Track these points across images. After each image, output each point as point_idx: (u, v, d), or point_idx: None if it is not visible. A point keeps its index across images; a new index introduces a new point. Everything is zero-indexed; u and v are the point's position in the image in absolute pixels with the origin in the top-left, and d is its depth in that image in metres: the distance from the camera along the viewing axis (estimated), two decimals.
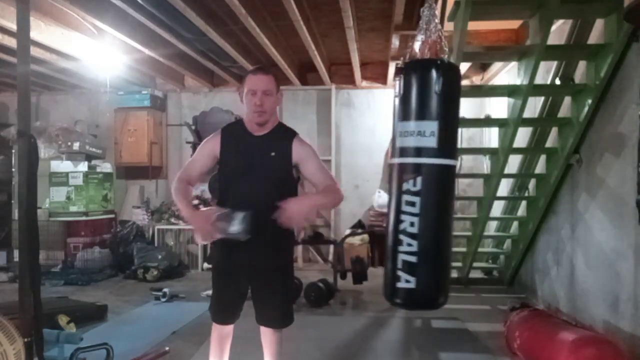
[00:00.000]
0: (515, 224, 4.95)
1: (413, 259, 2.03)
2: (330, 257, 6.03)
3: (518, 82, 3.70)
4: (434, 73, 2.03)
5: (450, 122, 2.10)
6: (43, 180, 5.50)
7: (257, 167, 2.20)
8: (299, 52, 5.75)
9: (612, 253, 3.21)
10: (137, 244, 5.94)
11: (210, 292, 2.42)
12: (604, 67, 3.21)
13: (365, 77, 6.60)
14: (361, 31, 5.11)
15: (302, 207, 2.04)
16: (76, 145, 6.19)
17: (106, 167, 6.57)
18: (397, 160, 2.13)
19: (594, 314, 3.43)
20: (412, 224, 2.03)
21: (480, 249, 4.95)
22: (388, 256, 2.13)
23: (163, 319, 4.01)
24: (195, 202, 6.20)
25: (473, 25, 3.56)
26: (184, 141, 6.90)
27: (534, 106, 4.25)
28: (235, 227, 2.00)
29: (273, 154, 2.20)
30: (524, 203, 4.73)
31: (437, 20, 2.24)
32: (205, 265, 6.13)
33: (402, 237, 2.05)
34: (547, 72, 4.09)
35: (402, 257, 2.05)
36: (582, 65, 3.62)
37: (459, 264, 5.23)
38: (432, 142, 2.02)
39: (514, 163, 4.50)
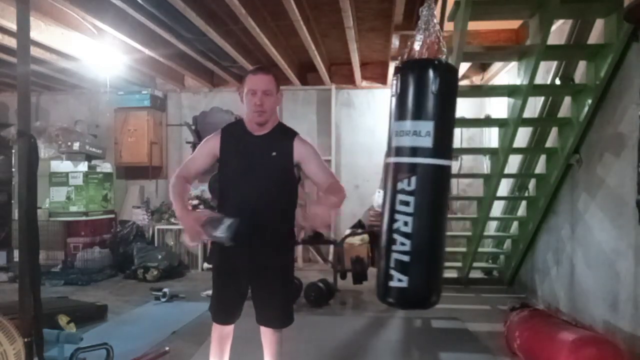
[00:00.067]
0: (515, 224, 4.95)
1: (406, 258, 2.03)
2: (330, 257, 6.02)
3: (518, 82, 3.70)
4: (431, 73, 2.03)
5: (446, 122, 2.10)
6: (43, 180, 5.50)
7: (257, 167, 2.20)
8: (299, 52, 5.75)
9: (612, 253, 3.21)
10: (137, 244, 5.94)
11: (210, 292, 2.42)
12: (604, 67, 3.21)
13: (365, 77, 6.60)
14: (361, 31, 5.11)
15: (325, 211, 2.05)
16: (76, 145, 6.18)
17: (106, 167, 6.56)
18: (392, 160, 2.14)
19: (594, 314, 3.43)
20: (405, 224, 2.04)
21: (480, 249, 4.95)
22: (382, 255, 2.14)
23: (163, 319, 4.01)
24: (195, 202, 6.21)
25: (473, 25, 3.56)
26: (184, 141, 6.90)
27: (534, 106, 4.25)
28: (220, 232, 2.03)
29: (274, 153, 2.20)
30: (524, 203, 4.73)
31: (435, 21, 2.24)
32: (205, 265, 6.13)
33: (395, 236, 2.06)
34: (547, 72, 4.09)
35: (395, 256, 2.06)
36: (582, 65, 3.62)
37: (459, 264, 5.24)
38: (427, 142, 2.03)
39: (514, 163, 4.50)
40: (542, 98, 4.17)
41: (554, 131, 4.07)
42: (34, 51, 4.92)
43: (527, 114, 3.84)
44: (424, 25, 2.23)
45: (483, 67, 6.25)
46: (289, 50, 5.77)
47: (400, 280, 2.04)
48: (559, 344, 2.59)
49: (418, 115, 2.06)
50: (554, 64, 3.98)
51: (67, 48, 4.97)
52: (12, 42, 4.60)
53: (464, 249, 5.10)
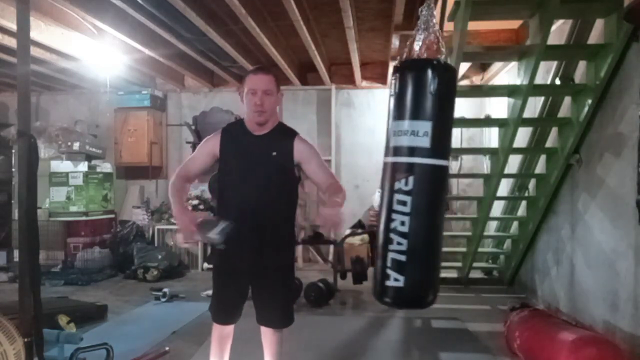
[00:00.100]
0: (515, 224, 4.95)
1: (402, 257, 2.04)
2: (330, 257, 6.02)
3: (518, 82, 3.70)
4: (429, 73, 2.03)
5: (444, 122, 2.10)
6: (43, 180, 5.50)
7: (257, 167, 2.20)
8: (299, 52, 5.75)
9: (612, 253, 3.21)
10: (137, 244, 5.94)
11: (210, 292, 2.42)
12: (604, 67, 3.21)
13: (365, 77, 6.60)
14: (361, 31, 5.11)
15: (338, 213, 2.05)
16: (76, 145, 6.18)
17: (106, 167, 6.57)
18: (390, 159, 2.14)
19: (594, 314, 3.43)
20: (402, 223, 2.04)
21: (480, 249, 4.95)
22: (378, 254, 2.14)
23: (163, 319, 4.01)
24: (195, 202, 6.21)
25: (473, 25, 3.56)
26: (184, 141, 6.90)
27: (534, 106, 4.25)
28: (213, 234, 2.05)
29: (274, 153, 2.20)
30: (524, 203, 4.73)
31: (435, 21, 2.24)
32: (205, 265, 6.13)
33: (392, 235, 2.06)
34: (547, 72, 4.09)
35: (391, 255, 2.06)
36: (582, 65, 3.62)
37: (459, 264, 5.24)
38: (425, 142, 2.03)
39: (514, 163, 4.50)
40: (542, 98, 4.17)
41: (554, 131, 4.07)
42: (34, 51, 4.92)
43: (527, 114, 3.84)
44: (423, 25, 2.23)
45: (483, 67, 6.25)
46: (289, 50, 5.77)
47: (396, 279, 2.05)
48: (559, 344, 2.59)
49: (416, 115, 2.06)
50: (554, 64, 3.98)
51: (67, 48, 4.97)
52: (12, 42, 4.60)
53: (464, 249, 5.10)
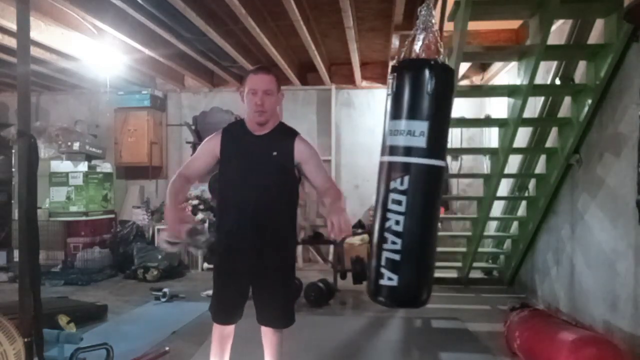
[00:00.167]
0: (515, 224, 4.95)
1: (396, 257, 2.04)
2: (330, 257, 6.03)
3: (518, 82, 3.70)
4: (426, 73, 2.04)
5: (440, 123, 2.11)
6: (43, 180, 5.50)
7: (257, 167, 2.20)
8: (299, 52, 5.75)
9: (612, 253, 3.21)
10: (137, 244, 5.94)
11: (210, 292, 2.42)
12: (604, 67, 3.21)
13: (365, 77, 6.60)
14: (361, 31, 5.11)
15: (345, 216, 2.02)
16: (76, 145, 6.18)
17: (106, 167, 6.56)
18: (386, 159, 2.15)
19: (594, 314, 3.43)
20: (397, 223, 2.05)
21: (480, 249, 4.95)
22: (373, 253, 2.14)
23: (163, 319, 4.01)
24: (195, 202, 6.21)
25: (473, 25, 3.56)
26: (184, 141, 6.90)
27: (534, 106, 4.25)
28: (195, 242, 2.10)
29: (275, 153, 2.20)
30: (524, 203, 4.73)
31: (434, 21, 2.24)
32: (205, 265, 6.13)
33: (387, 235, 2.07)
34: (547, 72, 4.09)
35: (386, 254, 2.07)
36: (582, 65, 3.62)
37: (459, 264, 5.24)
38: (421, 142, 2.03)
39: (514, 163, 4.50)
40: (542, 98, 4.17)
41: (554, 131, 4.07)
42: (34, 51, 4.92)
43: (527, 114, 3.84)
44: (422, 25, 2.23)
45: (483, 67, 6.26)
46: (289, 50, 5.77)
47: (390, 278, 2.05)
48: (559, 344, 2.59)
49: (413, 115, 2.07)
50: (554, 64, 3.98)
51: (67, 48, 4.97)
52: (12, 42, 4.60)
53: (464, 249, 5.10)
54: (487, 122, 5.64)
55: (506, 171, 4.13)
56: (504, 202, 5.08)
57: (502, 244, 5.32)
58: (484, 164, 6.05)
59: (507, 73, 5.50)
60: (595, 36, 3.49)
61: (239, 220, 2.20)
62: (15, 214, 5.57)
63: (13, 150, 5.98)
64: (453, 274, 5.28)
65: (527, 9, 3.28)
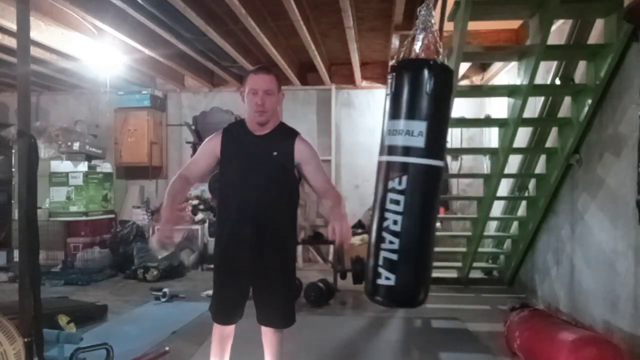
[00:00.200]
0: (515, 224, 4.95)
1: (394, 256, 2.04)
2: (330, 257, 6.03)
3: (518, 82, 3.70)
4: (425, 73, 2.04)
5: (439, 123, 2.11)
6: (43, 180, 5.50)
7: (258, 167, 2.20)
8: (299, 52, 5.75)
9: (612, 253, 3.21)
10: (137, 244, 5.94)
11: (210, 292, 2.42)
12: (604, 67, 3.21)
13: (365, 77, 6.61)
14: (361, 31, 5.11)
15: (346, 223, 2.08)
16: (76, 145, 6.19)
17: (106, 167, 6.57)
18: (384, 158, 2.15)
19: (594, 314, 3.43)
20: (395, 222, 2.05)
21: (480, 249, 4.95)
22: (371, 253, 2.15)
23: (163, 319, 4.01)
24: (195, 202, 6.22)
25: (473, 25, 3.56)
26: (184, 141, 6.91)
27: (534, 106, 4.25)
28: (184, 252, 2.12)
29: (275, 153, 2.21)
30: (524, 203, 4.73)
31: (433, 21, 2.24)
32: (206, 265, 6.12)
33: (384, 234, 2.07)
34: (547, 72, 4.09)
35: (383, 254, 2.07)
36: (582, 65, 3.62)
37: (459, 264, 5.24)
38: (419, 142, 2.04)
39: (514, 163, 4.50)
40: (542, 98, 4.17)
41: (554, 131, 4.07)
42: (34, 51, 4.92)
43: (527, 114, 3.84)
44: (421, 25, 2.23)
45: (483, 67, 6.26)
46: (289, 50, 5.77)
47: (387, 278, 2.06)
48: (559, 344, 2.59)
49: (411, 115, 2.07)
50: (554, 64, 3.98)
51: (67, 48, 4.97)
52: (12, 42, 4.61)
53: (464, 249, 5.10)
54: (487, 122, 5.64)
55: (506, 171, 4.13)
56: (504, 202, 5.09)
57: (502, 244, 5.32)
58: (484, 164, 6.05)
59: (507, 73, 5.50)
60: (595, 36, 3.49)
61: (239, 220, 2.20)
62: (15, 214, 5.57)
63: (13, 150, 5.98)
64: (453, 274, 5.28)
65: (527, 9, 3.28)
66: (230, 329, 2.33)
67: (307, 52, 5.26)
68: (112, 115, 6.85)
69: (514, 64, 4.77)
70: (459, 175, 6.43)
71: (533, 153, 4.46)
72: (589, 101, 3.40)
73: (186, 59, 5.73)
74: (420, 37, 2.23)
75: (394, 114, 2.11)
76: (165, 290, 4.61)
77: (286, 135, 2.26)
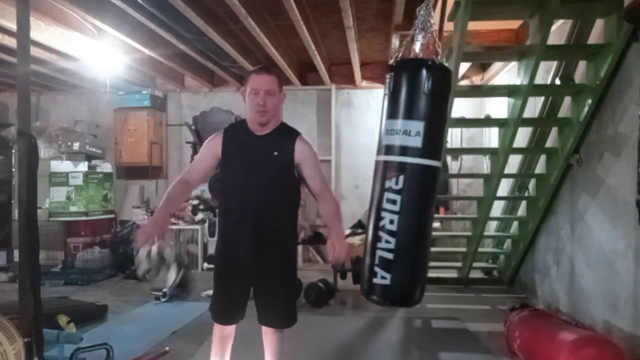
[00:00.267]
0: (515, 224, 4.95)
1: (390, 255, 2.05)
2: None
3: (518, 82, 3.70)
4: (423, 73, 2.04)
5: (437, 123, 2.11)
6: (43, 180, 5.50)
7: (259, 167, 2.20)
8: (299, 52, 5.75)
9: (612, 253, 3.21)
10: None
11: (210, 292, 2.42)
12: (604, 67, 3.21)
13: (365, 77, 6.60)
14: (361, 31, 5.11)
15: (344, 241, 2.12)
16: (76, 145, 6.18)
17: (106, 167, 6.56)
18: (381, 158, 2.15)
19: (594, 314, 3.43)
20: (391, 222, 2.06)
21: (480, 249, 4.95)
22: (367, 252, 2.15)
23: (163, 319, 4.01)
24: (195, 202, 6.22)
25: (473, 25, 3.56)
26: (184, 141, 6.90)
27: (534, 106, 4.25)
28: (164, 258, 2.14)
29: (275, 153, 2.21)
30: (524, 203, 4.73)
31: (432, 21, 2.25)
32: (206, 265, 6.13)
33: (381, 233, 2.08)
34: (547, 72, 4.09)
35: (379, 253, 2.08)
36: (582, 65, 3.62)
37: (459, 264, 5.24)
38: (417, 142, 2.04)
39: (514, 163, 4.50)
40: (542, 98, 4.17)
41: (554, 131, 4.08)
42: (34, 51, 4.92)
43: (527, 114, 3.84)
44: (420, 25, 2.23)
45: (483, 67, 6.26)
46: (289, 50, 5.77)
47: (383, 277, 2.06)
48: (559, 344, 2.59)
49: (409, 115, 2.07)
50: (554, 64, 3.99)
51: (67, 48, 4.97)
52: (12, 42, 4.60)
53: (464, 249, 5.10)
54: (487, 122, 5.64)
55: (506, 171, 4.13)
56: (504, 202, 5.09)
57: (502, 244, 5.32)
58: (484, 164, 6.05)
59: (507, 73, 5.50)
60: (595, 36, 3.49)
61: (240, 220, 2.20)
62: (15, 214, 5.57)
63: (13, 150, 5.98)
64: (453, 274, 5.28)
65: (527, 9, 3.28)
66: (231, 329, 2.33)
67: (307, 52, 5.26)
68: (112, 115, 6.84)
69: (514, 64, 4.77)
70: (459, 175, 6.43)
71: (533, 153, 4.46)
72: (589, 101, 3.40)
73: (186, 59, 5.73)
74: (419, 37, 2.23)
75: (392, 113, 2.11)
76: (165, 290, 4.60)
77: (287, 135, 2.26)
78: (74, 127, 6.80)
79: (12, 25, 4.01)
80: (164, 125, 7.08)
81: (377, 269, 2.07)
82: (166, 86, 6.99)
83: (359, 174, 6.71)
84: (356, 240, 5.56)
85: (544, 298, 4.37)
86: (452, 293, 4.95)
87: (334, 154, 6.75)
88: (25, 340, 2.20)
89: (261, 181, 2.19)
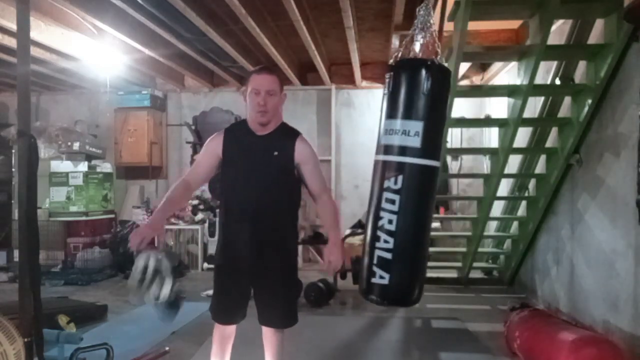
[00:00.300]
0: (515, 224, 4.95)
1: (388, 255, 2.05)
2: None
3: (518, 82, 3.70)
4: (422, 73, 2.04)
5: (436, 123, 2.11)
6: (43, 180, 5.50)
7: (259, 167, 2.20)
8: (299, 52, 5.75)
9: (612, 253, 3.21)
10: None
11: (210, 292, 2.42)
12: (604, 67, 3.21)
13: (365, 77, 6.60)
14: (361, 31, 5.11)
15: (340, 251, 2.13)
16: (76, 145, 6.18)
17: (106, 167, 6.57)
18: (380, 158, 2.15)
19: (594, 314, 3.43)
20: (390, 222, 2.06)
21: (480, 249, 4.95)
22: (365, 251, 2.16)
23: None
24: (195, 202, 6.22)
25: (473, 25, 3.56)
26: (184, 141, 6.90)
27: (534, 106, 4.25)
28: (166, 267, 2.19)
29: (276, 153, 2.21)
30: (524, 203, 4.73)
31: (432, 21, 2.25)
32: (206, 265, 6.13)
33: (379, 233, 2.08)
34: (547, 72, 4.09)
35: (378, 253, 2.08)
36: (582, 65, 3.62)
37: (459, 264, 5.24)
38: (416, 142, 2.04)
39: (514, 163, 4.50)
40: (542, 98, 4.17)
41: (554, 131, 4.08)
42: (34, 51, 4.92)
43: (527, 114, 3.84)
44: (420, 25, 2.23)
45: (483, 67, 6.25)
46: (289, 50, 5.77)
47: (382, 277, 2.06)
48: (559, 344, 2.59)
49: (408, 114, 2.07)
50: (554, 64, 3.99)
51: (67, 48, 4.97)
52: (12, 42, 4.60)
53: (464, 249, 5.10)
54: (487, 122, 5.64)
55: (506, 171, 4.14)
56: (504, 202, 5.09)
57: (502, 244, 5.32)
58: (484, 164, 6.05)
59: (507, 73, 5.50)
60: (595, 36, 3.49)
61: (240, 220, 2.20)
62: (15, 214, 5.57)
63: (13, 150, 5.98)
64: (453, 274, 5.29)
65: (527, 9, 3.28)
66: (231, 329, 2.33)
67: (307, 52, 5.26)
68: (112, 115, 6.84)
69: (514, 64, 4.77)
70: (459, 175, 6.43)
71: (533, 153, 4.46)
72: (589, 101, 3.40)
73: (186, 59, 5.73)
74: (419, 37, 2.23)
75: (391, 113, 2.11)
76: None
77: (287, 135, 2.26)
78: (74, 127, 6.81)
79: (12, 25, 4.01)
80: (164, 125, 7.08)
81: (375, 268, 2.07)
82: (166, 86, 6.99)
83: (359, 174, 6.70)
84: (356, 240, 5.56)
85: (544, 298, 4.37)
86: (452, 293, 4.95)
87: (333, 154, 6.75)
88: (25, 340, 2.20)
89: (261, 181, 2.19)
